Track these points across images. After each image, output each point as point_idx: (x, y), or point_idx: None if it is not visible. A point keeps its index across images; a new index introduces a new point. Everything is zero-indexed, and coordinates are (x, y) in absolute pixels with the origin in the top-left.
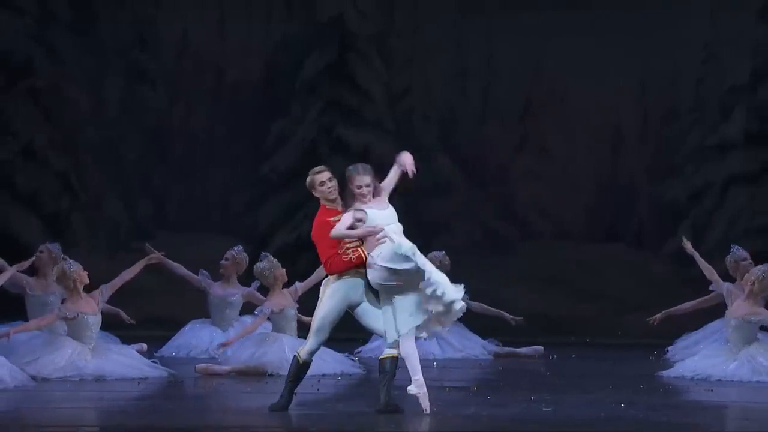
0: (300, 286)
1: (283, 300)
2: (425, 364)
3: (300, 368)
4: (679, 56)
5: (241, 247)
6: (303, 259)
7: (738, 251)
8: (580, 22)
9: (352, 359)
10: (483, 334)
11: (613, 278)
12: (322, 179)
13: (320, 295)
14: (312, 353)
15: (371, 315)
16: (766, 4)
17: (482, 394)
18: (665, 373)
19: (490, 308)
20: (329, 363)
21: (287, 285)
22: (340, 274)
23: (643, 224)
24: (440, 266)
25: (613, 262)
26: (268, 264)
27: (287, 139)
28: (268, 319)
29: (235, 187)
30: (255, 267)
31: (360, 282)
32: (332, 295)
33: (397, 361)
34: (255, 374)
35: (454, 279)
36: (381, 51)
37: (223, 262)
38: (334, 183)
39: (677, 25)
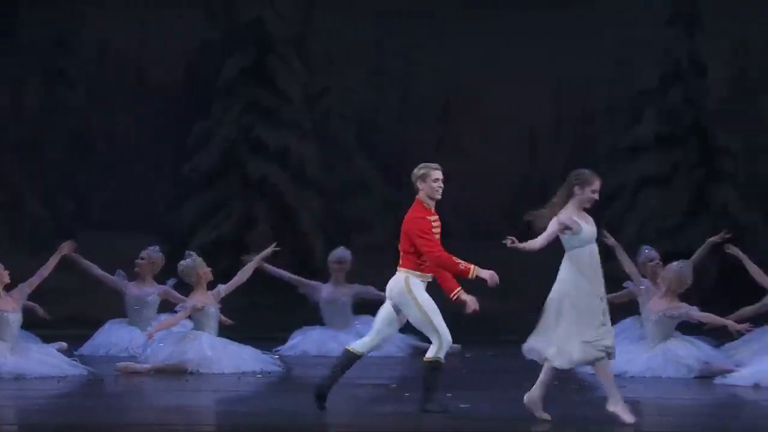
0: (223, 288)
1: (206, 298)
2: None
3: (440, 371)
4: (591, 59)
5: (156, 247)
6: (223, 258)
7: (648, 252)
8: (496, 24)
9: (272, 357)
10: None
11: (531, 277)
12: (437, 176)
13: (407, 296)
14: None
15: (399, 321)
16: (674, 11)
17: (400, 391)
18: (581, 368)
19: None
20: (249, 361)
21: (212, 286)
22: (418, 272)
23: None
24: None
25: (529, 262)
26: (192, 262)
27: (208, 140)
28: (189, 317)
29: (157, 187)
30: (179, 265)
31: (425, 285)
32: (418, 288)
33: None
34: (175, 372)
35: (376, 277)
36: (300, 52)
37: (138, 261)
38: (443, 185)
39: (590, 29)
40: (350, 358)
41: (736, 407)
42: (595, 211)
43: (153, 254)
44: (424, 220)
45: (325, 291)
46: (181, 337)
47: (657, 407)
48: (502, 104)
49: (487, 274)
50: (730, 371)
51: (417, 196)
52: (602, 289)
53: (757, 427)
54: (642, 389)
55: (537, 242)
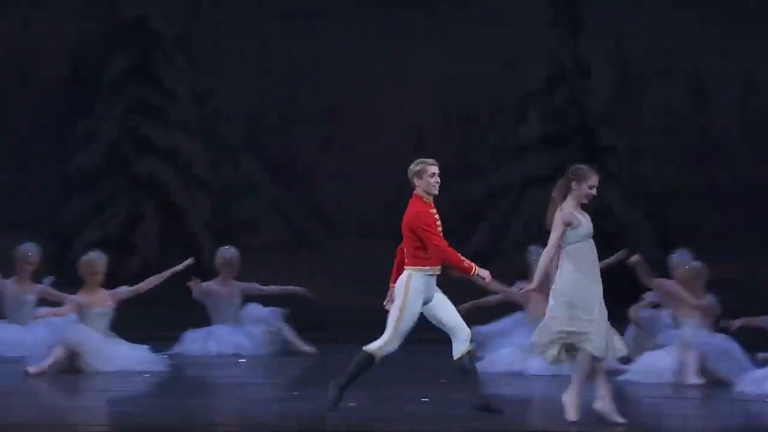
0: (124, 291)
1: (95, 297)
2: (231, 361)
3: (370, 366)
4: (477, 61)
5: (33, 244)
6: (109, 257)
7: (536, 251)
8: (383, 25)
9: (162, 357)
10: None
11: None
12: (434, 171)
13: (402, 290)
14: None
15: (444, 309)
16: (558, 13)
17: (288, 390)
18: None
19: (285, 287)
20: (137, 360)
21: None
22: (424, 267)
23: (444, 223)
24: None
25: None
26: (88, 258)
27: (92, 139)
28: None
29: (42, 185)
30: (80, 259)
31: (435, 278)
32: (415, 293)
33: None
34: (66, 361)
35: (262, 278)
36: (186, 52)
37: (19, 259)
38: (439, 179)
39: (476, 31)
40: (464, 361)
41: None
42: (480, 210)
43: (30, 252)
44: (427, 213)
45: (213, 291)
46: (65, 333)
47: (542, 402)
48: (389, 104)
49: (485, 273)
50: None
51: (415, 192)
52: (599, 286)
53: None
54: (530, 386)
55: (550, 244)
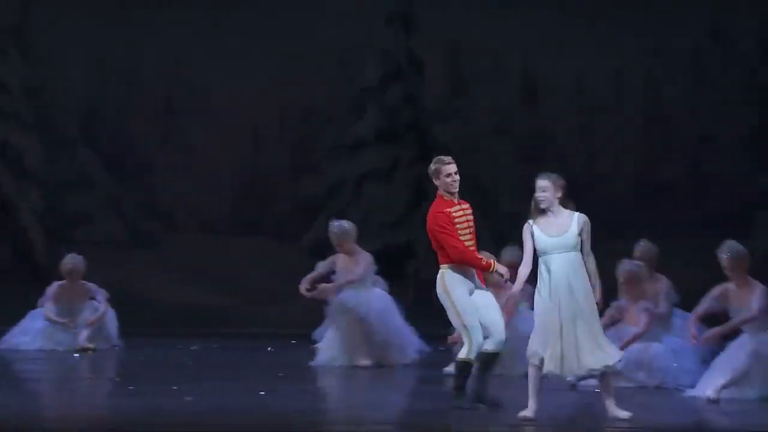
0: None
1: None
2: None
3: (470, 370)
4: (314, 58)
5: None
6: None
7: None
8: (221, 20)
9: None
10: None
11: (255, 270)
12: (449, 171)
13: (442, 292)
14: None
15: (482, 306)
16: (392, 11)
17: (125, 384)
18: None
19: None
20: None
21: None
22: (455, 265)
23: (283, 218)
24: None
25: (255, 255)
26: None
27: None
28: None
29: None
30: None
31: (471, 270)
32: (454, 287)
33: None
34: None
35: (99, 274)
36: (19, 44)
37: None
38: (458, 177)
39: (312, 28)
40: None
41: None
42: (319, 205)
43: None
44: (442, 214)
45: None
46: None
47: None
48: (227, 100)
49: (504, 269)
50: None
51: (437, 191)
52: (563, 305)
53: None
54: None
55: (524, 261)
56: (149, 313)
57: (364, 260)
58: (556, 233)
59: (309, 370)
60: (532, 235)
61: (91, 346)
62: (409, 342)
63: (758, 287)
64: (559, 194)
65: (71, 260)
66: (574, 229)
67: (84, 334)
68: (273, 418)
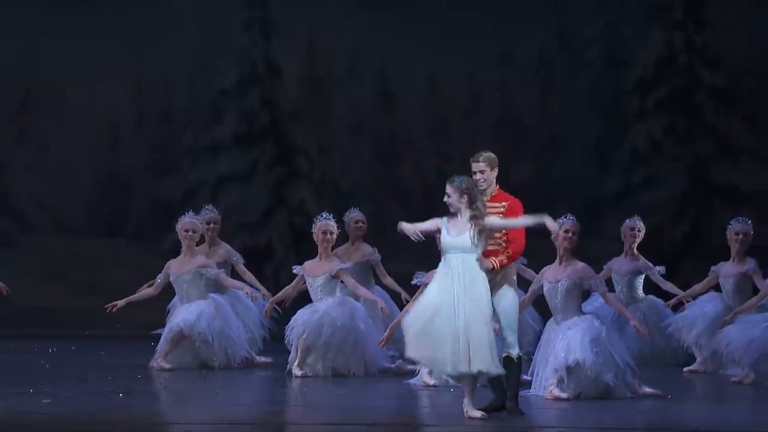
0: None
1: None
2: None
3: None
4: (172, 59)
5: None
6: None
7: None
8: (76, 19)
9: None
10: None
11: (113, 272)
12: (474, 169)
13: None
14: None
15: (497, 307)
16: (250, 15)
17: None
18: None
19: None
20: None
21: None
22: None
23: (141, 220)
24: None
25: (112, 256)
26: None
27: None
28: None
29: None
30: None
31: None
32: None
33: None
34: None
35: None
36: None
37: None
38: (482, 176)
39: (170, 29)
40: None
41: None
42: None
43: None
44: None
45: None
46: None
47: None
48: (84, 98)
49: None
50: None
51: None
52: (458, 305)
53: None
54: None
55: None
56: (5, 314)
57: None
58: (452, 243)
59: (164, 372)
60: (439, 230)
61: None
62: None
63: None
64: (464, 199)
65: None
66: (463, 243)
67: None
68: (133, 419)
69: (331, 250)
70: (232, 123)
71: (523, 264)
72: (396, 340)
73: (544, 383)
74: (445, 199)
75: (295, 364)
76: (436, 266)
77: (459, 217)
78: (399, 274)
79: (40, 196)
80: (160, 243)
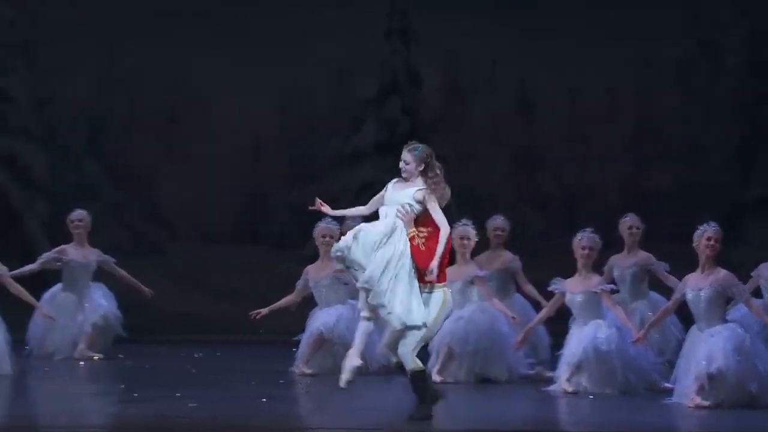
0: None
1: None
2: None
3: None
4: (314, 71)
5: None
6: None
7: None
8: (222, 33)
9: None
10: None
11: (256, 279)
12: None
13: None
14: None
15: None
16: (391, 26)
17: (130, 391)
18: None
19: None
20: None
21: None
22: None
23: (283, 228)
24: None
25: (255, 264)
26: None
27: None
28: None
29: None
30: None
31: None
32: None
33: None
34: None
35: (103, 281)
36: (25, 57)
37: None
38: (402, 164)
39: (312, 42)
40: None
41: None
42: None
43: None
44: None
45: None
46: None
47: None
48: (229, 110)
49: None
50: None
51: None
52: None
53: None
54: None
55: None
56: (154, 320)
57: None
58: (391, 197)
59: (305, 377)
60: (386, 191)
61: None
62: None
63: None
64: (421, 168)
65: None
66: (402, 198)
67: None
68: (274, 424)
69: (472, 258)
70: (373, 131)
71: (666, 271)
72: (534, 346)
73: (686, 391)
74: (402, 165)
75: (435, 369)
76: (573, 273)
77: (409, 182)
78: (537, 281)
79: (187, 205)
80: (303, 251)
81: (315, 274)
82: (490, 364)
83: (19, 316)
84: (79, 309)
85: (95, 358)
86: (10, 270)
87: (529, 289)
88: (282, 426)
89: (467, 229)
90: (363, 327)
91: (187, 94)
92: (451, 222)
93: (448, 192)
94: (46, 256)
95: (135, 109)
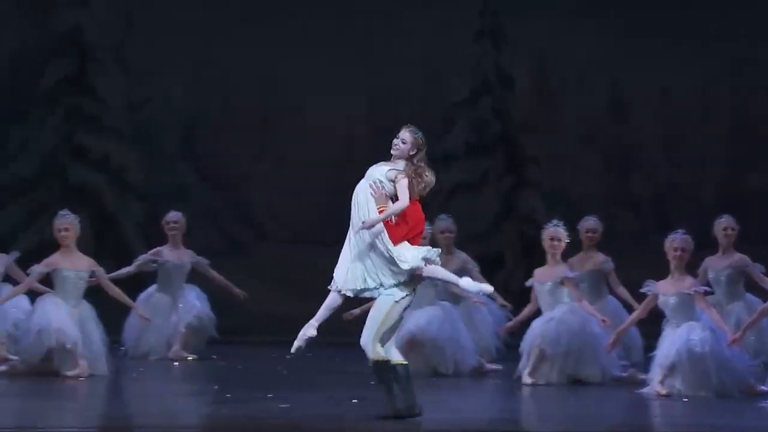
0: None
1: None
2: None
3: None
4: (404, 72)
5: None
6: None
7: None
8: (312, 35)
9: None
10: None
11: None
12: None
13: None
14: None
15: None
16: (481, 27)
17: (222, 392)
18: None
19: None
20: None
21: None
22: None
23: None
24: None
25: None
26: None
27: (27, 147)
28: None
29: None
30: None
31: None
32: None
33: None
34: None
35: (193, 282)
36: (121, 60)
37: None
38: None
39: (402, 44)
40: None
41: None
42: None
43: None
44: None
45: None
46: None
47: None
48: (320, 114)
49: None
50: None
51: None
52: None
53: None
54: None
55: None
56: (245, 322)
57: None
58: (370, 173)
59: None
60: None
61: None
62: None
63: None
64: (413, 152)
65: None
66: (377, 175)
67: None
68: (365, 425)
69: (564, 259)
70: (463, 133)
71: (762, 273)
72: (627, 347)
73: None
74: (396, 141)
75: (526, 371)
76: (666, 275)
77: (390, 162)
78: (629, 282)
79: (277, 207)
80: None
81: None
82: (582, 365)
83: (115, 317)
84: (173, 310)
85: (189, 358)
86: (107, 272)
87: (622, 290)
88: (373, 427)
89: (558, 230)
90: (330, 299)
91: (279, 94)
92: (542, 223)
93: (432, 178)
94: (142, 258)
95: (227, 110)
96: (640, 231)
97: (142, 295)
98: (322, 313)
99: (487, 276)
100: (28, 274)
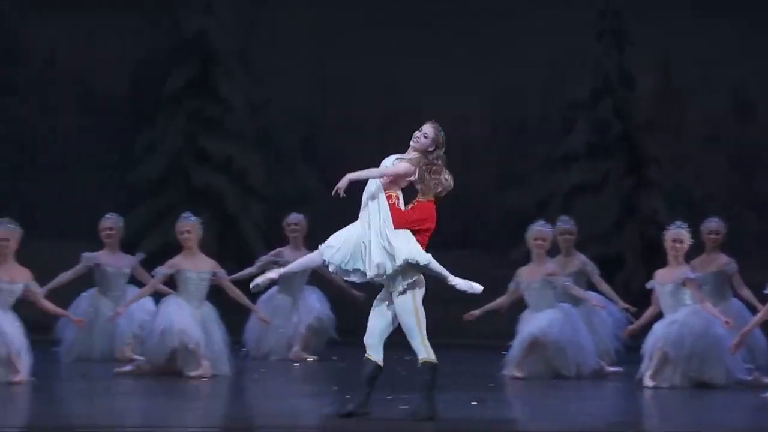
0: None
1: None
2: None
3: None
4: (524, 73)
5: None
6: None
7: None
8: (433, 37)
9: None
10: None
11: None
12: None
13: None
14: None
15: None
16: (603, 27)
17: (341, 392)
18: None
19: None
20: None
21: None
22: None
23: (492, 231)
24: None
25: (463, 268)
26: None
27: (154, 149)
28: None
29: (103, 196)
30: None
31: None
32: None
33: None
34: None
35: (315, 285)
36: (243, 63)
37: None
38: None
39: (522, 44)
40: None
41: None
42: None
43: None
44: None
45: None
46: None
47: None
48: (439, 115)
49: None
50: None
51: None
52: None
53: None
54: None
55: None
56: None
57: None
58: (384, 162)
59: (516, 381)
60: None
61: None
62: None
63: None
64: (432, 147)
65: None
66: (385, 164)
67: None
68: (485, 427)
69: (686, 261)
70: (585, 133)
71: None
72: (751, 349)
73: None
74: (418, 134)
75: (648, 374)
76: None
77: (408, 154)
78: (753, 284)
79: None
80: (510, 255)
81: (527, 276)
82: (706, 368)
83: (236, 318)
84: (294, 311)
85: (309, 359)
86: (228, 273)
87: (746, 292)
88: (493, 429)
89: (680, 231)
90: (311, 259)
91: (399, 97)
92: (664, 224)
93: (450, 182)
94: (264, 260)
95: (348, 113)
96: (764, 232)
97: (264, 297)
98: (293, 266)
99: (607, 277)
100: (152, 276)
